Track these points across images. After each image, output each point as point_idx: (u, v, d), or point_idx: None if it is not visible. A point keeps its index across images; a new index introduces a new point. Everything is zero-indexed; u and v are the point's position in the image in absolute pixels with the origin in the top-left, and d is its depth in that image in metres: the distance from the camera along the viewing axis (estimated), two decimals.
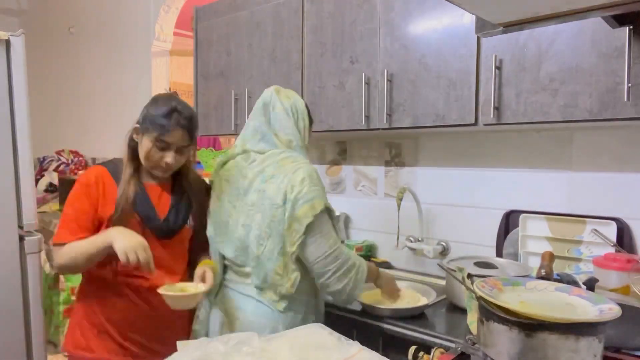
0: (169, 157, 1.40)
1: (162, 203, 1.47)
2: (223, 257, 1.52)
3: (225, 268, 1.53)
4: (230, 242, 1.47)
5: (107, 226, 1.38)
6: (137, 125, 1.44)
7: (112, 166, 1.48)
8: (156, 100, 1.44)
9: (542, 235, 1.77)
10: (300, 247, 1.35)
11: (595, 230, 1.57)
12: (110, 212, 1.38)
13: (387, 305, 1.59)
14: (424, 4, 1.72)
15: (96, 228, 1.40)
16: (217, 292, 1.53)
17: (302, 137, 1.51)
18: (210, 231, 1.53)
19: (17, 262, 1.87)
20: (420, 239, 2.11)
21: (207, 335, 1.51)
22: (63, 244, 1.37)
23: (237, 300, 1.47)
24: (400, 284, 1.71)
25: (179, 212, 1.48)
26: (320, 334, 0.68)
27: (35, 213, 1.92)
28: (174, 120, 1.37)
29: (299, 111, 1.53)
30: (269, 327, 1.38)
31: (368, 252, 2.28)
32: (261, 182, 1.42)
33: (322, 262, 1.35)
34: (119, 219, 1.36)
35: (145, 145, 1.41)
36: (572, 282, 1.41)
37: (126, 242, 1.26)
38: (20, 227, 1.88)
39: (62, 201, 3.59)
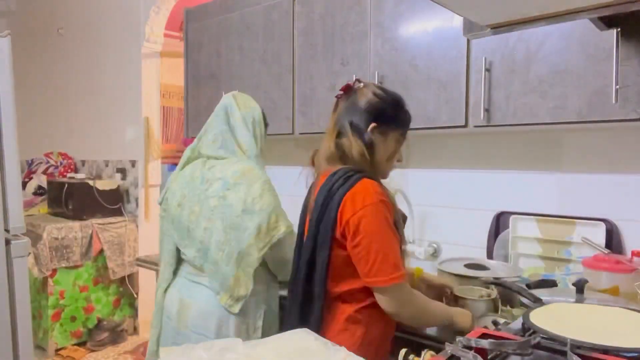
0: (402, 155, 1.31)
1: None
2: (176, 249, 1.56)
3: (179, 258, 1.58)
4: (192, 245, 1.50)
5: None
6: (375, 124, 1.22)
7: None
8: (385, 91, 1.27)
9: (532, 236, 1.78)
10: (264, 257, 1.43)
11: (585, 238, 1.58)
12: None
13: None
14: (414, 6, 1.72)
15: None
16: (171, 281, 1.58)
17: (259, 146, 1.56)
18: (174, 237, 1.55)
19: (4, 266, 1.84)
20: (411, 241, 2.11)
21: (162, 320, 1.58)
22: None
23: (192, 289, 1.51)
24: None
25: None
26: (306, 340, 0.67)
27: (22, 216, 1.90)
28: (408, 113, 1.29)
29: (256, 121, 1.56)
30: (222, 315, 1.43)
31: None
32: (222, 189, 1.44)
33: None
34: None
35: (390, 146, 1.26)
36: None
37: (470, 324, 1.26)
38: (7, 230, 1.85)
39: (50, 204, 3.55)
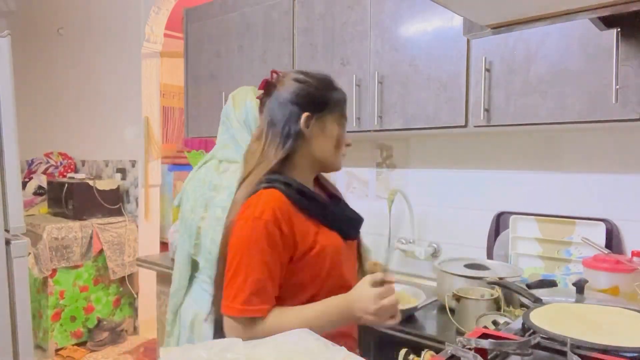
0: (348, 138, 1.15)
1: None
2: (190, 257, 1.53)
3: (195, 264, 1.54)
4: (201, 254, 1.48)
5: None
6: (308, 114, 1.07)
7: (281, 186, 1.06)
8: (307, 75, 1.12)
9: (532, 236, 1.78)
10: None
11: (585, 238, 1.58)
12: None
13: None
14: (414, 6, 1.72)
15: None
16: (187, 289, 1.54)
17: None
18: (186, 242, 1.51)
19: (4, 266, 1.84)
20: (411, 241, 2.11)
21: (175, 332, 1.54)
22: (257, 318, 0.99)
23: (205, 298, 1.44)
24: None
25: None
26: (306, 340, 0.67)
27: (22, 216, 1.90)
28: (341, 91, 1.14)
29: (250, 117, 1.50)
30: None
31: None
32: (228, 199, 1.33)
33: None
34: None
35: (331, 130, 1.10)
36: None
37: (379, 314, 0.98)
38: (7, 230, 1.85)
39: (50, 204, 3.55)
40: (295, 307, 1.02)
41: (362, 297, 0.99)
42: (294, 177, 1.08)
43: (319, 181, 1.21)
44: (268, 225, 0.98)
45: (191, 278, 1.55)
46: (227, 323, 1.00)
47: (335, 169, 1.15)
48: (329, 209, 1.12)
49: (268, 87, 1.12)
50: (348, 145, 1.15)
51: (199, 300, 1.49)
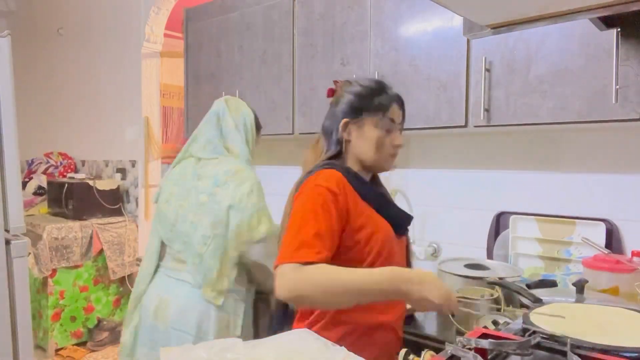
0: (399, 138, 1.18)
1: None
2: (160, 245, 1.61)
3: (161, 254, 1.63)
4: (177, 239, 1.54)
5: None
6: (346, 120, 1.16)
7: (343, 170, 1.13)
8: (354, 83, 1.20)
9: (532, 236, 1.78)
10: (244, 253, 1.49)
11: (585, 238, 1.58)
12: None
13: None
14: (414, 6, 1.72)
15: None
16: (151, 278, 1.61)
17: (250, 151, 1.61)
18: (160, 231, 1.60)
19: (4, 266, 1.84)
20: (411, 241, 2.10)
21: (135, 320, 1.62)
22: (310, 263, 0.97)
23: (172, 285, 1.54)
24: None
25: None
26: (306, 340, 0.67)
27: (22, 216, 1.90)
28: (391, 93, 1.19)
29: (247, 126, 1.61)
30: (202, 311, 1.48)
31: None
32: (213, 186, 1.50)
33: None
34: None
35: (369, 133, 1.15)
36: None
37: (440, 292, 0.97)
38: (7, 230, 1.85)
39: (50, 204, 3.55)
40: (349, 267, 0.99)
41: (432, 282, 0.98)
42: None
43: (373, 180, 1.26)
44: (326, 192, 1.03)
45: (155, 268, 1.64)
46: (278, 272, 0.98)
47: (382, 169, 1.20)
48: (384, 197, 1.21)
49: (333, 95, 1.23)
50: (397, 146, 1.18)
51: (163, 286, 1.56)
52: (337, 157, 1.18)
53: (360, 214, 1.09)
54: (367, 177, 1.21)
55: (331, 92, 1.24)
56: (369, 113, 1.16)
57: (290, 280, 0.95)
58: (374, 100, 1.16)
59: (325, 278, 0.94)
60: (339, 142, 1.17)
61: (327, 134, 1.20)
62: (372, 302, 1.06)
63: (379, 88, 1.18)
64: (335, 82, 1.24)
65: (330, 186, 1.05)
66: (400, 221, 1.20)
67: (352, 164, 1.18)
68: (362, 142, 1.16)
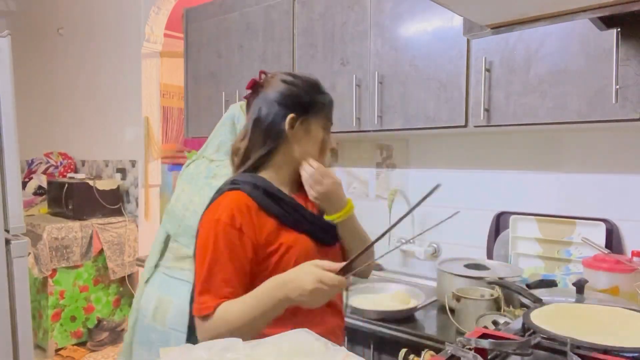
0: (332, 142, 1.14)
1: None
2: (164, 242, 1.61)
3: (161, 252, 1.62)
4: (185, 233, 1.54)
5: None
6: (293, 115, 1.06)
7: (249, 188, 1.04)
8: (295, 77, 1.11)
9: (532, 236, 1.78)
10: None
11: (585, 238, 1.58)
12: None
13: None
14: (414, 6, 1.72)
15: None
16: (149, 277, 1.61)
17: None
18: (167, 226, 1.60)
19: (4, 266, 1.84)
20: (411, 241, 2.11)
21: (131, 321, 1.62)
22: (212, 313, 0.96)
23: (172, 285, 1.53)
24: (391, 286, 1.70)
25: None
26: (306, 340, 0.67)
27: (22, 216, 1.90)
28: (328, 95, 1.12)
29: None
30: None
31: None
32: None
33: None
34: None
35: (315, 133, 1.09)
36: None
37: (311, 278, 0.91)
38: (7, 230, 1.85)
39: (50, 204, 3.55)
40: (240, 297, 0.97)
41: (299, 275, 0.92)
42: (271, 177, 1.08)
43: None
44: (229, 230, 0.98)
45: (155, 264, 1.64)
46: (195, 321, 1.01)
47: None
48: (299, 211, 1.07)
49: (255, 87, 1.12)
50: (332, 149, 1.14)
51: (162, 286, 1.56)
52: (266, 156, 1.07)
53: (270, 234, 1.02)
54: (289, 184, 1.11)
55: (254, 83, 1.12)
56: (315, 112, 1.08)
57: (202, 333, 0.98)
58: (319, 98, 1.10)
59: (224, 323, 0.95)
60: (279, 137, 1.06)
61: (261, 126, 1.07)
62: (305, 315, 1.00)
63: (321, 86, 1.12)
64: (263, 72, 1.13)
65: (234, 222, 0.98)
66: (318, 232, 1.09)
67: (282, 165, 1.08)
68: (306, 142, 1.08)
